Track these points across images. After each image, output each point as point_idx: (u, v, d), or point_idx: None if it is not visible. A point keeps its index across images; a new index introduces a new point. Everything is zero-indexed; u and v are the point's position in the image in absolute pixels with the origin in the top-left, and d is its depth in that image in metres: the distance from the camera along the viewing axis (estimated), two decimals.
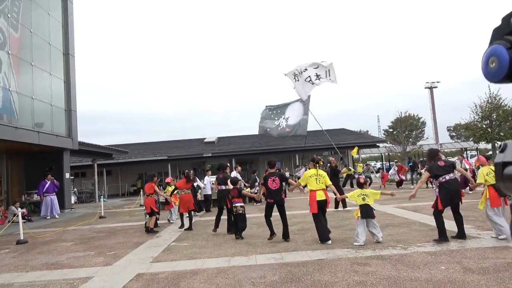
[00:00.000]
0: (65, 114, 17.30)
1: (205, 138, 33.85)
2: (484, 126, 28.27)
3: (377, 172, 40.86)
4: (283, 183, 7.56)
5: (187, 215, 10.04)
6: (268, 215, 7.54)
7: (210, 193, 14.93)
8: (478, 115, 28.14)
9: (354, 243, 6.71)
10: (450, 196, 6.56)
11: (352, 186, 21.39)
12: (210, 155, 26.86)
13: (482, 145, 30.51)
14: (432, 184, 16.94)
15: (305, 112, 22.73)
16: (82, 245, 8.39)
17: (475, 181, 8.03)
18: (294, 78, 14.58)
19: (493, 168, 6.42)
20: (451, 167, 6.70)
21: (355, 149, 17.55)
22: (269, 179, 7.59)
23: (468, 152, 42.03)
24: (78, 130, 17.94)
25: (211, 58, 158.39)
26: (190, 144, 33.17)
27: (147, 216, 9.97)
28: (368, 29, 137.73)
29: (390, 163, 40.11)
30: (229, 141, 33.12)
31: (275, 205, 7.53)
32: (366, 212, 6.78)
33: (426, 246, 6.41)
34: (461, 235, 6.66)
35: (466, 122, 30.14)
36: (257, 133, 25.93)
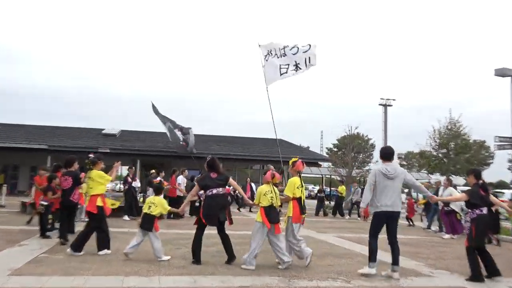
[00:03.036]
0: None
1: (103, 129, 32.47)
2: (440, 155, 30.76)
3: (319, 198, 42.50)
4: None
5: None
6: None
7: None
8: (435, 141, 30.52)
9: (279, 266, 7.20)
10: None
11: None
12: (108, 151, 25.74)
13: (435, 176, 33.09)
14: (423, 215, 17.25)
15: (173, 124, 24.55)
16: None
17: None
18: (268, 54, 14.06)
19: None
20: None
21: (295, 159, 17.94)
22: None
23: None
24: None
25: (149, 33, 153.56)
26: (83, 134, 31.58)
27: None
28: (322, 29, 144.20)
29: (332, 189, 42.02)
30: (136, 136, 32.14)
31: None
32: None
33: (373, 280, 6.64)
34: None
35: (421, 149, 32.39)
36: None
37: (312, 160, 31.97)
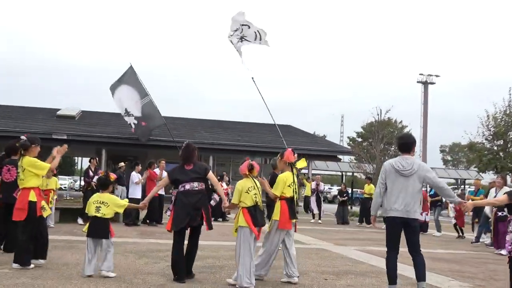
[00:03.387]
0: None
1: (59, 110, 32.52)
2: (496, 148, 30.67)
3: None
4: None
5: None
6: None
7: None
8: (490, 130, 30.40)
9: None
10: None
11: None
12: (65, 137, 25.83)
13: (488, 175, 33.14)
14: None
15: (141, 94, 23.77)
16: None
17: None
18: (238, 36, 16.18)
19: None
20: None
21: (302, 161, 18.10)
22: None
23: (465, 187, 45.40)
24: None
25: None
26: (31, 115, 31.58)
27: None
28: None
29: (354, 189, 42.15)
30: (102, 119, 32.14)
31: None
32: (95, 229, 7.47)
33: None
34: None
35: (470, 140, 32.17)
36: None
37: (329, 152, 32.02)
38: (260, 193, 7.42)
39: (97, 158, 17.57)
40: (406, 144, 7.09)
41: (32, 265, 7.75)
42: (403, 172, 6.76)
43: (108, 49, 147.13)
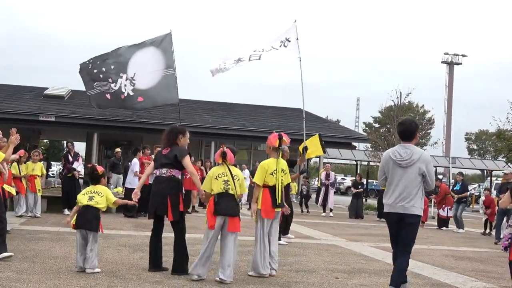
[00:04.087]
0: None
1: (46, 89, 32.57)
2: None
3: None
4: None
5: None
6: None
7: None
8: None
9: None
10: None
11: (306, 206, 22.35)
12: (53, 119, 25.92)
13: None
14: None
15: (167, 63, 22.72)
16: None
17: None
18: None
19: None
20: None
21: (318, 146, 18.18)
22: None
23: (492, 179, 45.29)
24: None
25: None
26: (16, 94, 31.63)
27: None
28: None
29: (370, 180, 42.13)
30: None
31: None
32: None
33: None
34: None
35: (499, 127, 32.06)
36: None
37: (343, 139, 31.98)
38: (234, 181, 7.54)
39: (71, 142, 16.98)
40: (406, 131, 6.81)
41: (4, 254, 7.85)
42: (400, 162, 6.59)
43: (101, 23, 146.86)
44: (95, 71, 21.03)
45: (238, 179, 7.61)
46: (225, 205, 7.36)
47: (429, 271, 9.25)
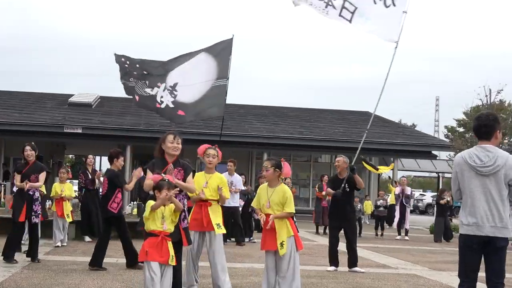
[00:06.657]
0: None
1: (72, 96, 33.24)
2: None
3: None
4: None
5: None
6: None
7: None
8: None
9: None
10: None
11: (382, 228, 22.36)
12: (80, 131, 26.44)
13: None
14: None
15: (221, 73, 22.54)
16: None
17: None
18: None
19: None
20: None
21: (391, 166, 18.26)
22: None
23: None
24: None
25: None
26: (38, 103, 32.32)
27: None
28: None
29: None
30: (126, 106, 32.64)
31: None
32: None
33: None
34: None
35: None
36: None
37: (421, 147, 31.82)
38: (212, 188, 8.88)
39: (91, 156, 17.03)
40: (482, 126, 6.17)
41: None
42: (481, 169, 6.00)
43: (131, 20, 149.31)
44: (134, 72, 21.58)
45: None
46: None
47: None
